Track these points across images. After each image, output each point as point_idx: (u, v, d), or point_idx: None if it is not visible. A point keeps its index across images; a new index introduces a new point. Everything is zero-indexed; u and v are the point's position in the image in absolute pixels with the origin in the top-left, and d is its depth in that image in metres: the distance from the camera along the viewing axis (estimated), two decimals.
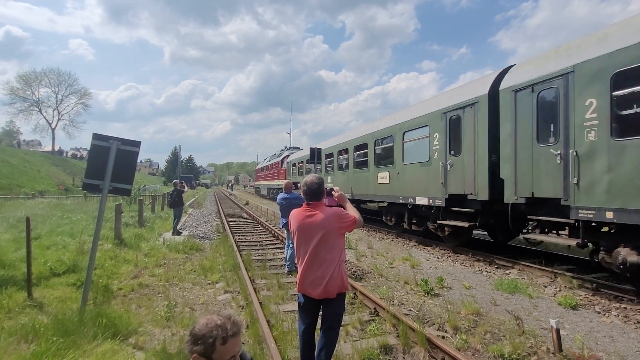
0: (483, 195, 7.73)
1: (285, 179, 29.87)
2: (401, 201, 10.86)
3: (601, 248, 5.78)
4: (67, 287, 6.08)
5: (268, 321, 4.55)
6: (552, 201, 6.33)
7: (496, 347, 3.90)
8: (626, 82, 5.13)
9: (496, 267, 7.72)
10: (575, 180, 5.78)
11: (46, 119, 63.07)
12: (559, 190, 6.11)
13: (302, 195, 3.16)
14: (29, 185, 34.69)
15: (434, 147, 9.37)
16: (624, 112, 5.18)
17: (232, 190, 74.92)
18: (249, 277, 6.61)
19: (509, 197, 7.12)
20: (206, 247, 10.47)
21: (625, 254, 5.24)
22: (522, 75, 7.04)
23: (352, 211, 3.16)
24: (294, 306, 5.22)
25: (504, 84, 7.37)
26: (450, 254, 9.13)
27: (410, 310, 5.18)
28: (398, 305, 5.41)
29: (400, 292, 6.11)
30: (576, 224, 6.00)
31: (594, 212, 5.54)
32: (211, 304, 5.69)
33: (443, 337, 4.21)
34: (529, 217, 7.02)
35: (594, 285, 6.07)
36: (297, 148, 34.49)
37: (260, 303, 5.18)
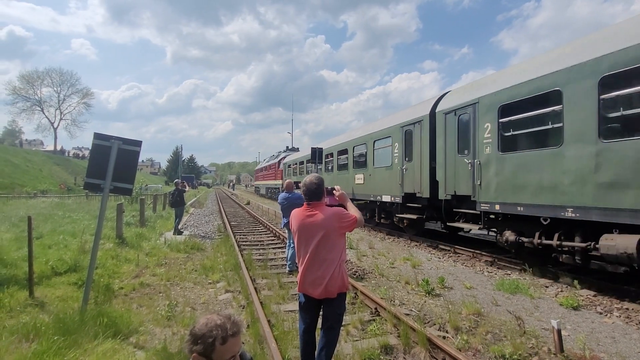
0: (426, 193, 9.86)
1: (282, 179, 31.32)
2: (372, 198, 13.04)
3: (497, 232, 7.83)
4: (68, 286, 6.10)
5: (269, 321, 4.55)
6: (468, 198, 8.30)
7: (497, 347, 3.89)
8: (508, 113, 7.17)
9: (497, 268, 7.70)
10: (478, 182, 7.84)
11: (48, 119, 63.32)
12: (470, 189, 8.16)
13: (302, 195, 3.16)
14: (31, 184, 34.79)
15: (395, 154, 11.50)
16: (506, 134, 7.25)
17: (233, 189, 75.02)
18: (250, 277, 6.61)
19: (442, 195, 9.23)
20: (207, 246, 10.48)
21: (507, 235, 7.34)
22: (449, 102, 9.11)
23: (353, 210, 3.16)
24: (295, 306, 5.22)
25: (439, 107, 9.48)
26: (451, 254, 9.12)
27: (411, 311, 5.17)
28: (399, 305, 5.40)
29: (401, 292, 6.10)
30: (480, 214, 8.06)
31: (488, 205, 7.63)
32: (212, 303, 5.70)
33: (444, 338, 4.20)
34: (454, 210, 9.02)
35: (596, 285, 6.06)
36: (295, 149, 35.58)
37: (261, 303, 5.18)
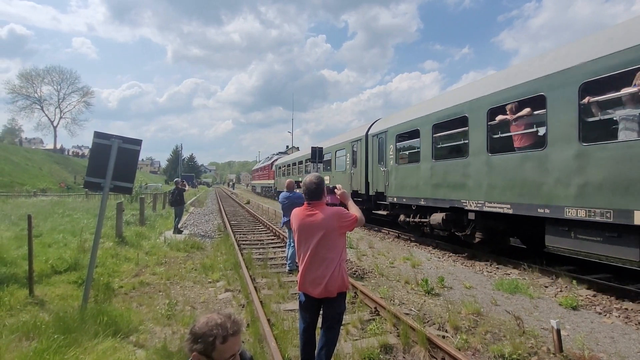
0: (363, 190, 13.85)
1: (274, 179, 33.83)
2: None
3: (400, 217, 11.19)
4: (68, 284, 6.11)
5: (269, 320, 4.55)
6: (382, 193, 12.18)
7: (496, 347, 3.89)
8: (401, 139, 11.31)
9: (497, 268, 7.71)
10: (387, 183, 11.77)
11: (48, 117, 63.34)
12: (384, 188, 12.01)
13: (302, 195, 3.16)
14: (30, 183, 34.78)
15: (347, 162, 15.76)
16: (400, 153, 11.41)
17: (233, 189, 75.05)
18: (250, 276, 6.62)
19: (371, 191, 13.14)
20: (207, 245, 10.49)
21: (402, 217, 11.09)
22: (375, 128, 13.25)
23: (354, 209, 3.17)
24: (295, 305, 5.22)
25: (370, 131, 13.51)
26: (451, 254, 9.13)
27: (411, 310, 5.17)
28: (398, 304, 5.40)
29: (400, 291, 6.11)
30: (389, 204, 11.88)
31: (392, 198, 11.49)
32: (212, 302, 5.70)
33: (443, 337, 4.21)
34: (377, 202, 12.77)
35: (595, 285, 6.07)
36: (295, 148, 38.14)
37: (260, 302, 5.18)
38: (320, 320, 3.18)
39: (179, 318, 4.86)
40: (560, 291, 6.03)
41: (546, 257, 8.10)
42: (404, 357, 3.82)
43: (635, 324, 4.67)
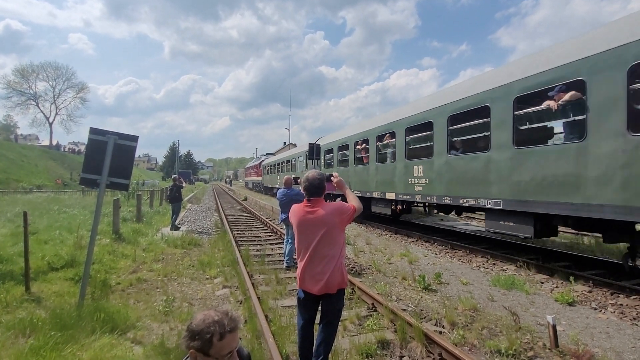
0: None
1: (261, 177, 39.57)
2: None
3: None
4: (65, 281, 6.08)
5: (266, 316, 4.56)
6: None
7: (493, 342, 3.92)
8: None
9: (493, 264, 7.75)
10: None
11: (43, 113, 62.85)
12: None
13: (302, 191, 3.16)
14: (26, 179, 34.57)
15: (303, 166, 21.96)
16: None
17: (230, 185, 74.95)
18: (248, 273, 6.62)
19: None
20: (204, 242, 10.47)
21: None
22: (323, 141, 17.71)
23: (351, 197, 3.19)
24: (292, 301, 5.24)
25: (317, 142, 17.96)
26: (447, 250, 9.17)
27: (408, 306, 5.20)
28: (396, 300, 5.43)
29: (398, 287, 6.13)
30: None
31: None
32: (209, 299, 5.70)
33: (440, 333, 4.23)
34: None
35: (591, 281, 6.11)
36: (293, 145, 47.99)
37: (258, 298, 5.19)
38: (318, 316, 3.19)
39: (177, 314, 4.86)
40: (556, 287, 6.07)
41: (542, 253, 8.15)
42: (401, 353, 3.84)
43: (630, 320, 4.71)
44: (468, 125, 8.12)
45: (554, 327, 3.82)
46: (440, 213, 13.17)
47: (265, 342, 3.84)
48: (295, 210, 3.13)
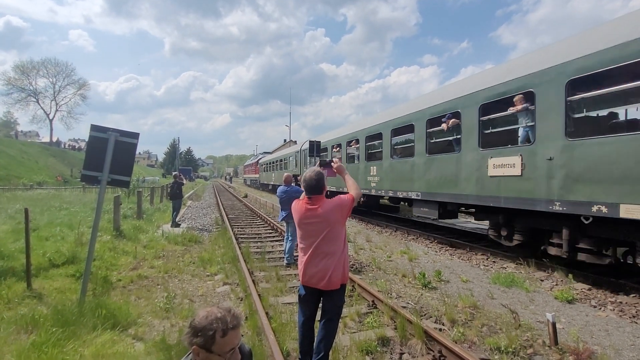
0: None
1: (258, 174, 42.02)
2: None
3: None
4: (66, 278, 6.10)
5: (267, 313, 4.58)
6: None
7: (493, 340, 3.93)
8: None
9: (493, 261, 7.76)
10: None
11: (44, 110, 62.67)
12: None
13: (302, 190, 3.17)
14: (27, 176, 34.58)
15: (294, 164, 23.85)
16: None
17: (230, 182, 74.98)
18: (248, 269, 6.63)
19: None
20: (205, 239, 10.49)
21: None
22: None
23: (350, 182, 3.23)
24: (293, 298, 5.25)
25: (302, 147, 19.41)
26: (448, 248, 9.18)
27: (408, 303, 5.21)
28: (396, 298, 5.44)
29: (398, 285, 6.15)
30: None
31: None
32: (210, 295, 5.72)
33: (440, 330, 4.25)
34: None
35: (590, 279, 6.12)
36: (293, 142, 47.68)
37: (259, 295, 5.21)
38: (318, 313, 3.20)
39: (178, 311, 4.88)
40: (556, 285, 6.09)
41: (542, 251, 8.15)
42: (401, 350, 3.86)
43: (630, 318, 4.73)
44: (403, 137, 11.31)
45: (554, 324, 3.83)
46: (391, 204, 15.74)
47: (266, 339, 3.86)
48: (297, 207, 3.14)
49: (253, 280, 5.99)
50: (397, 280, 6.43)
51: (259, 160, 45.49)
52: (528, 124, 6.58)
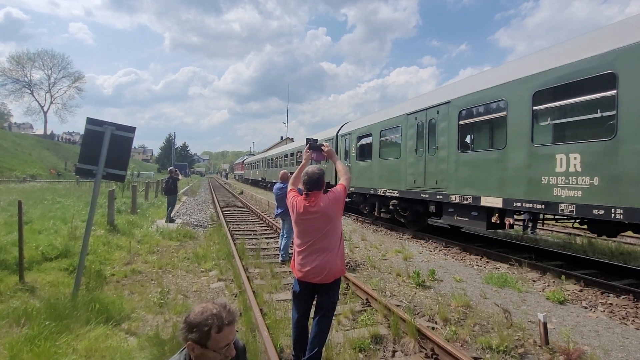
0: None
1: (243, 171, 56.41)
2: None
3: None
4: (59, 271, 6.06)
5: (261, 309, 4.58)
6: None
7: (484, 339, 3.97)
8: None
9: (487, 262, 7.82)
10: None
11: (38, 102, 62.02)
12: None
13: (301, 186, 3.17)
14: (20, 168, 34.24)
15: (261, 165, 35.16)
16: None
17: (226, 179, 74.73)
18: (243, 266, 6.63)
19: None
20: (200, 235, 10.46)
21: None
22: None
23: (340, 167, 3.29)
24: (287, 295, 5.26)
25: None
26: (442, 247, 9.23)
27: (402, 302, 5.25)
28: (390, 296, 5.47)
29: (392, 283, 6.18)
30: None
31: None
32: (204, 291, 5.72)
33: (433, 328, 4.28)
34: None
35: (582, 281, 6.20)
36: (290, 140, 52.46)
37: (253, 291, 5.20)
38: (312, 310, 3.22)
39: (171, 306, 4.87)
40: (548, 286, 6.15)
41: (535, 252, 8.24)
42: (394, 348, 3.89)
43: (619, 319, 4.80)
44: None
45: (545, 324, 3.88)
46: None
47: (260, 335, 3.87)
48: (294, 203, 3.14)
49: (247, 277, 5.99)
50: (391, 278, 6.46)
51: (243, 160, 62.42)
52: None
